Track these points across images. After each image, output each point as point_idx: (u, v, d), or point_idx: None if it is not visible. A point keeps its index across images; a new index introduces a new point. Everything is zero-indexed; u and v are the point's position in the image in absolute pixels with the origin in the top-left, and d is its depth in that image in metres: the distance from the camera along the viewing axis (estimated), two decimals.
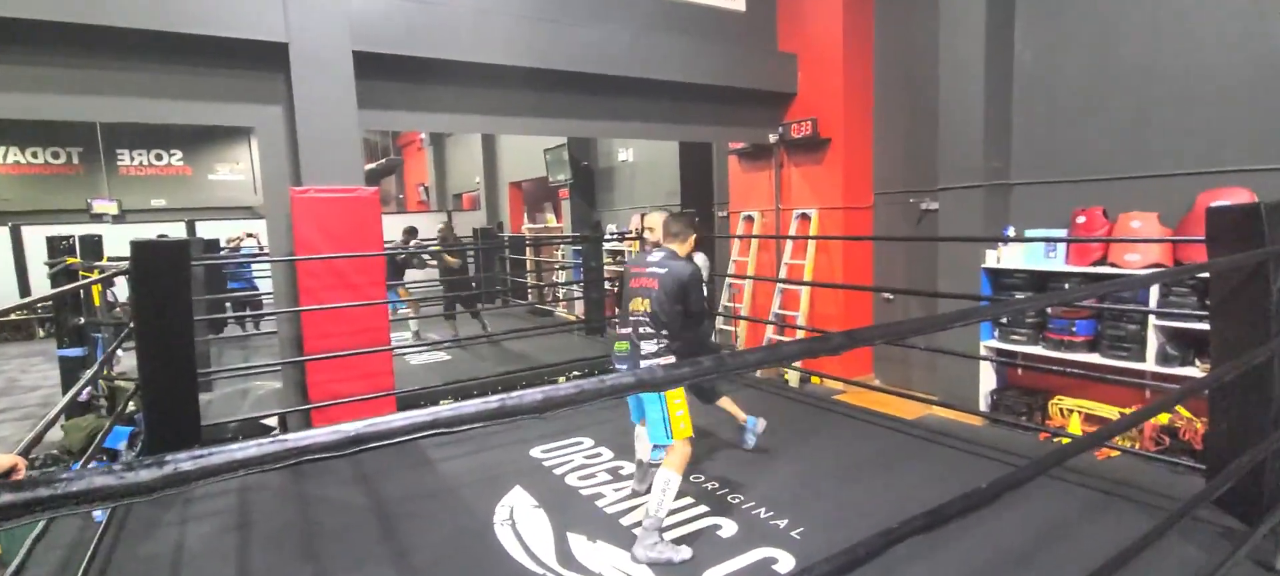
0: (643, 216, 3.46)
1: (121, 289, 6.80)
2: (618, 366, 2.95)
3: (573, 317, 9.85)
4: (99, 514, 3.27)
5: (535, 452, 4.10)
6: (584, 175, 11.10)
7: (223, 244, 9.93)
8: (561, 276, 10.89)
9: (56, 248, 4.00)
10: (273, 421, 4.91)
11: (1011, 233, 4.73)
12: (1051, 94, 4.71)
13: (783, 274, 6.48)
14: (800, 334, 6.26)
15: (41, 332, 11.84)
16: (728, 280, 7.15)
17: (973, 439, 4.25)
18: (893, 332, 1.23)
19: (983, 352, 4.77)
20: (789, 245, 6.54)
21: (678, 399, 2.84)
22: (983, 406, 4.81)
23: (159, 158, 20.36)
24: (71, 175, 17.80)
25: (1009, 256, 4.69)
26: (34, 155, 18.28)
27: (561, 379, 6.37)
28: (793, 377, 6.10)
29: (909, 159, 5.87)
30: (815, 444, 4.19)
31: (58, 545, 3.06)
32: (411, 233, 8.28)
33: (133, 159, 19.75)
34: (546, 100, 5.40)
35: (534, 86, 5.28)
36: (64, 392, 3.96)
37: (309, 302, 4.44)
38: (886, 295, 6.08)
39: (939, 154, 5.17)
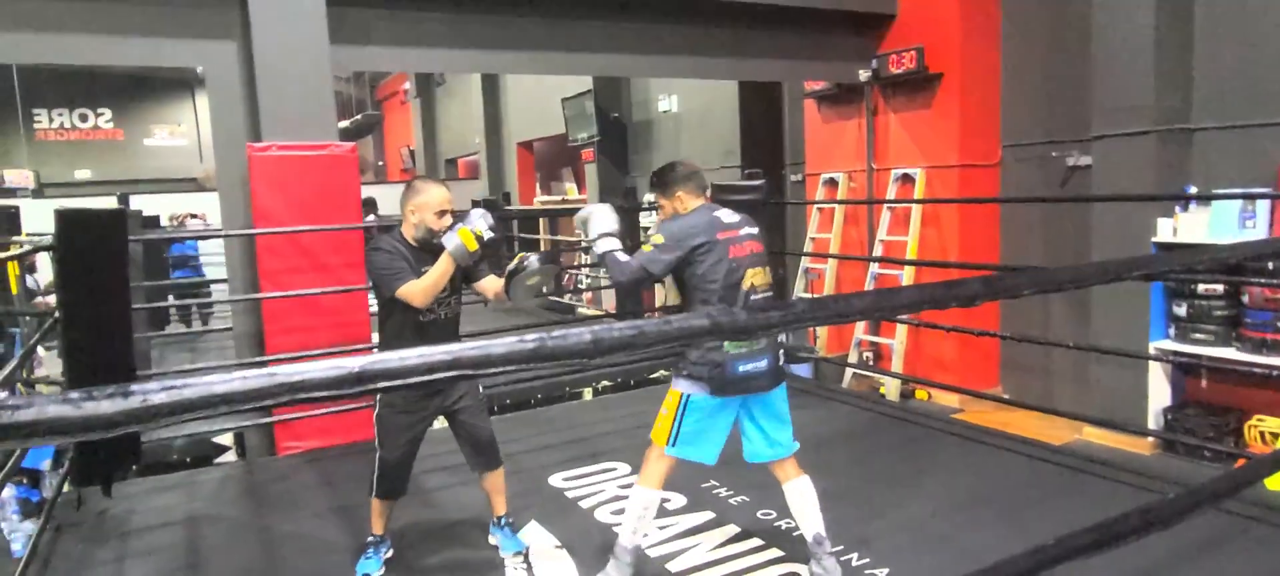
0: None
1: (44, 274, 7.08)
2: (742, 368, 2.74)
3: (599, 312, 9.89)
4: (17, 548, 3.39)
5: (556, 480, 4.12)
6: (614, 131, 11.12)
7: (165, 222, 10.24)
8: (584, 260, 10.93)
9: None
10: (227, 439, 5.04)
11: (1194, 191, 4.56)
12: (1248, 6, 4.51)
13: (877, 253, 6.37)
14: (901, 332, 6.15)
15: None
16: (803, 262, 7.07)
17: (1140, 470, 4.11)
18: (1044, 282, 1.17)
19: (1152, 355, 4.61)
20: (886, 216, 6.43)
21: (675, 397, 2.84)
22: (1153, 427, 4.66)
23: (83, 118, 21.06)
24: None
25: (1190, 226, 4.51)
26: None
27: (587, 392, 6.39)
28: (891, 390, 6.00)
29: (1051, 99, 5.70)
30: (924, 475, 4.11)
31: None
32: (370, 206, 8.43)
33: (52, 120, 20.46)
34: (566, 30, 5.41)
35: (550, 11, 5.29)
36: None
37: (271, 288, 4.53)
38: None
39: (1093, 91, 5.01)
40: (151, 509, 4.01)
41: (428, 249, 2.98)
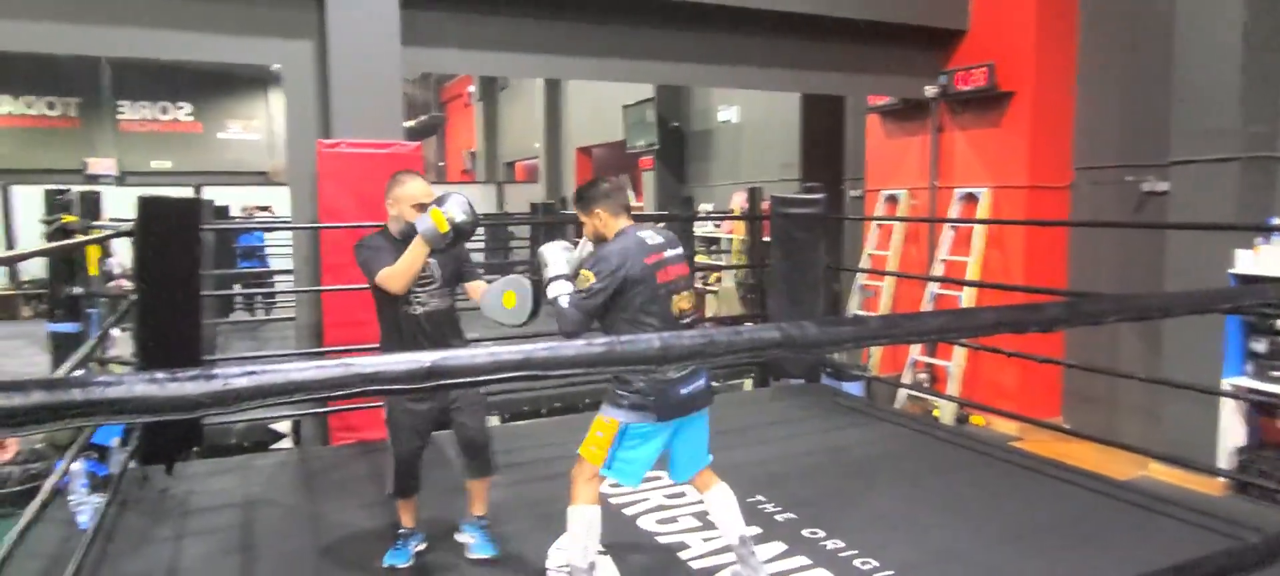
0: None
1: (120, 259, 7.40)
2: (684, 391, 2.74)
3: None
4: (83, 520, 3.54)
5: (602, 487, 4.12)
6: (673, 139, 11.14)
7: (236, 214, 10.60)
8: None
9: (54, 203, 4.39)
10: (284, 426, 5.19)
11: (1278, 222, 4.36)
12: None
13: (937, 272, 6.24)
14: (959, 355, 6.01)
15: (29, 312, 13.05)
16: (859, 280, 6.97)
17: (1208, 511, 3.92)
18: (1129, 309, 1.13)
19: (1227, 391, 4.41)
20: (948, 235, 6.29)
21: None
22: (1224, 467, 4.45)
23: (165, 111, 21.97)
24: (68, 129, 19.45)
25: (1273, 258, 4.31)
26: (28, 105, 20.10)
27: None
28: (945, 413, 5.87)
29: (1128, 120, 5.52)
30: (978, 503, 3.99)
31: (38, 554, 3.34)
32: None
33: (135, 112, 21.40)
34: (630, 37, 5.44)
35: (614, 18, 5.33)
36: (53, 371, 4.34)
37: (333, 282, 4.65)
38: None
39: (1173, 114, 4.83)
40: (210, 490, 4.13)
41: (409, 241, 2.94)
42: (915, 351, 6.37)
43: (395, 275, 2.90)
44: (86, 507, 3.65)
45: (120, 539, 3.53)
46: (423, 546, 3.34)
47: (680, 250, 2.93)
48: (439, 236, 2.86)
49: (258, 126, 22.31)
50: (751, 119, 9.77)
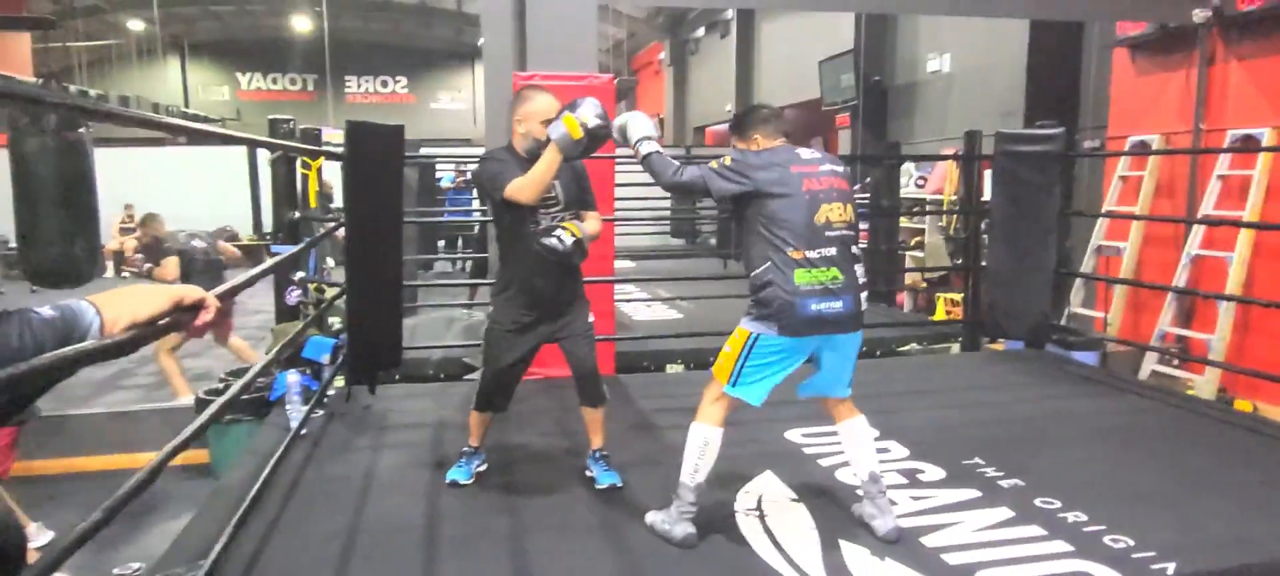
0: None
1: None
2: (814, 307, 2.55)
3: None
4: (294, 418, 3.75)
5: (794, 436, 3.84)
6: (873, 95, 10.46)
7: (450, 178, 11.19)
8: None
9: (277, 130, 4.71)
10: (475, 359, 5.32)
11: None
12: None
13: (1198, 230, 5.32)
14: (1224, 322, 5.08)
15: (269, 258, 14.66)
16: (1096, 238, 6.12)
17: None
18: None
19: None
20: (1215, 186, 5.34)
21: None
22: None
23: (384, 84, 24.57)
24: (306, 101, 22.39)
25: None
26: (273, 81, 23.45)
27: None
28: (1205, 388, 4.99)
29: None
30: (1260, 488, 3.30)
31: (256, 452, 3.58)
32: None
33: (360, 86, 24.18)
34: None
35: None
36: (276, 292, 4.67)
37: None
38: None
39: None
40: (406, 410, 4.30)
41: (536, 159, 2.84)
42: (1165, 320, 5.48)
43: (527, 185, 2.81)
44: (299, 414, 3.88)
45: (325, 444, 3.73)
46: (483, 467, 3.32)
47: (841, 168, 2.77)
48: (572, 143, 2.76)
49: (463, 97, 24.21)
50: (965, 66, 8.91)
